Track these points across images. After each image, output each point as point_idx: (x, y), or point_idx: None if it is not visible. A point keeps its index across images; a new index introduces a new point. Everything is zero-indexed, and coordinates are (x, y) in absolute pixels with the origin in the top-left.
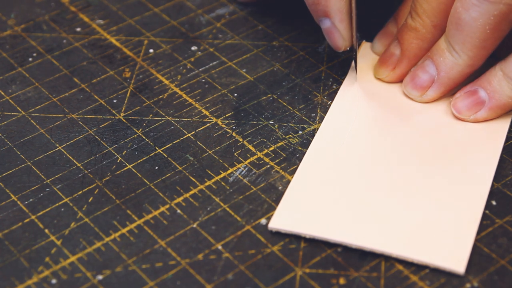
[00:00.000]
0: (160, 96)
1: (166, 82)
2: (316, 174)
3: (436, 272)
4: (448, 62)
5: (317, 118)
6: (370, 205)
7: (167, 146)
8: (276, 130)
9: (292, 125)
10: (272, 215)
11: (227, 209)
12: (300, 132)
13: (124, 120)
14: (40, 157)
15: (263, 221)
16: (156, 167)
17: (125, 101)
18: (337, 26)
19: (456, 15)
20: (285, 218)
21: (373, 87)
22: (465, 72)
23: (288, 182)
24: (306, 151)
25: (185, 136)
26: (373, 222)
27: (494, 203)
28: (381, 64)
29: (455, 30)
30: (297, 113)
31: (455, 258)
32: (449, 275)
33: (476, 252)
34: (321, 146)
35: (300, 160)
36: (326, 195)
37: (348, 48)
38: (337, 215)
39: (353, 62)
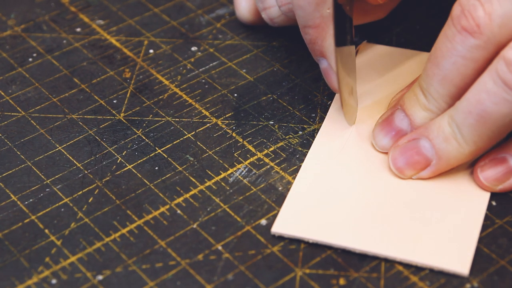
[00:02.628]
0: (160, 97)
1: (166, 82)
2: (317, 177)
3: (436, 273)
4: (453, 150)
5: (317, 118)
6: (372, 209)
7: (167, 146)
8: (276, 130)
9: (292, 125)
10: (272, 215)
11: (227, 209)
12: (300, 133)
13: (124, 121)
14: (40, 157)
15: (263, 221)
16: (156, 168)
17: (125, 102)
18: (333, 67)
19: (480, 106)
20: (287, 223)
21: (373, 88)
22: (468, 160)
23: (288, 182)
24: (306, 151)
25: (185, 137)
26: (376, 226)
27: (494, 203)
28: (384, 133)
29: (472, 120)
30: (297, 113)
31: (458, 260)
32: (449, 276)
33: (476, 253)
34: (321, 149)
35: (300, 160)
36: (328, 199)
37: None
38: (340, 219)
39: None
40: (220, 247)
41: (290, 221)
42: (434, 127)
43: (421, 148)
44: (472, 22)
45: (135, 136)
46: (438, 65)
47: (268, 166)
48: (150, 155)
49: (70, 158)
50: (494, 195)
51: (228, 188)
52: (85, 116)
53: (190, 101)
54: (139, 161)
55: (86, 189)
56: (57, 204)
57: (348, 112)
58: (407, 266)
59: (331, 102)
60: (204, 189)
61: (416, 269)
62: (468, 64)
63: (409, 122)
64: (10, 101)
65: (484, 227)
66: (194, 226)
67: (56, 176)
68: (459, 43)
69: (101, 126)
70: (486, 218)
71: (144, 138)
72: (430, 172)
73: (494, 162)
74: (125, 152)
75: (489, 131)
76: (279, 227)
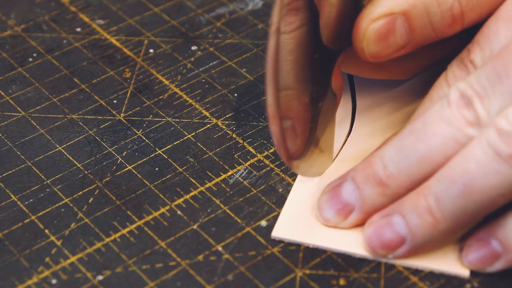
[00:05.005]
0: (160, 97)
1: (166, 82)
2: (316, 182)
3: (436, 273)
4: (427, 226)
5: None
6: None
7: (167, 147)
8: None
9: None
10: (272, 217)
11: (227, 211)
12: None
13: (124, 121)
14: (40, 157)
15: (263, 223)
16: (156, 168)
17: (125, 102)
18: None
19: (467, 176)
20: (287, 228)
21: (369, 89)
22: (445, 237)
23: (289, 184)
24: None
25: (185, 137)
26: None
27: None
28: (329, 205)
29: (456, 190)
30: None
31: (459, 262)
32: (450, 276)
33: None
34: None
35: None
36: None
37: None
38: None
39: None
40: (220, 248)
41: (290, 226)
42: (408, 201)
43: (394, 225)
44: (473, 114)
45: (135, 136)
46: (424, 141)
47: (268, 168)
48: (150, 156)
49: (70, 158)
50: None
51: (228, 190)
52: (85, 116)
53: (190, 101)
54: (139, 162)
55: (86, 190)
56: (57, 204)
57: (304, 167)
58: (407, 266)
59: None
60: (204, 190)
61: (416, 269)
62: (458, 148)
63: (358, 197)
64: (10, 101)
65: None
66: (194, 227)
67: (56, 176)
68: (457, 128)
69: (101, 127)
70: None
71: (144, 138)
72: (405, 251)
73: (478, 244)
74: (125, 152)
75: (473, 204)
76: (279, 232)
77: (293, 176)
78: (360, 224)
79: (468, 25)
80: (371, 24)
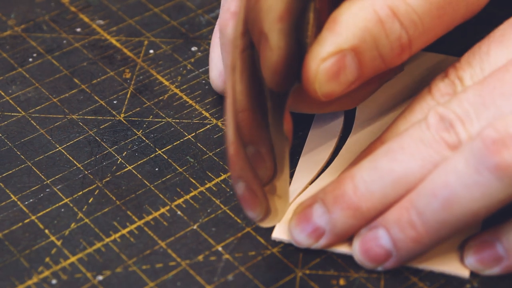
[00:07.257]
0: (160, 97)
1: (166, 83)
2: (316, 182)
3: (436, 273)
4: (410, 240)
5: None
6: None
7: (167, 147)
8: None
9: None
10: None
11: (228, 211)
12: (300, 133)
13: (124, 121)
14: (40, 157)
15: None
16: (156, 169)
17: (125, 102)
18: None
19: (447, 189)
20: (287, 229)
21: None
22: (430, 250)
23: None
24: None
25: (185, 138)
26: None
27: None
28: (300, 228)
29: (437, 205)
30: (297, 113)
31: (459, 263)
32: (450, 276)
33: None
34: (313, 154)
35: None
36: None
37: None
38: None
39: None
40: (220, 248)
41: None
42: (391, 214)
43: (379, 239)
44: (454, 138)
45: (135, 137)
46: (401, 163)
47: None
48: (150, 156)
49: (70, 158)
50: None
51: (228, 190)
52: (85, 117)
53: (190, 102)
54: (139, 162)
55: (86, 190)
56: (57, 205)
57: (269, 218)
58: (407, 266)
59: None
60: (204, 190)
61: (416, 269)
62: (433, 170)
63: (328, 220)
64: (10, 101)
65: (483, 228)
66: (194, 227)
67: (56, 177)
68: (436, 150)
69: (101, 127)
70: (486, 219)
71: (144, 139)
72: (393, 264)
73: (482, 246)
74: (125, 152)
75: (454, 218)
76: (279, 233)
77: (293, 176)
78: (334, 245)
79: (415, 52)
80: (321, 64)
